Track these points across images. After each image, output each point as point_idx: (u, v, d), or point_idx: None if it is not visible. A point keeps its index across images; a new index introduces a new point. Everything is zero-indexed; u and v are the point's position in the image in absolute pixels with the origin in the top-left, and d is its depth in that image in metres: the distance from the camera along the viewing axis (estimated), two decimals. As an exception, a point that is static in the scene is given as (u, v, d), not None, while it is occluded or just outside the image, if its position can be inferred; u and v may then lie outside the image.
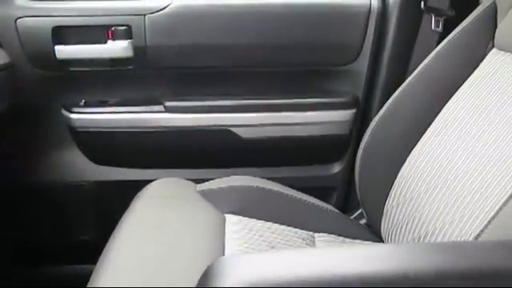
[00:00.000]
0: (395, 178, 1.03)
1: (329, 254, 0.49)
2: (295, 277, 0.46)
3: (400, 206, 1.01)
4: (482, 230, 0.68)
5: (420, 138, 1.03)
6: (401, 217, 1.00)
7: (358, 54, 1.30)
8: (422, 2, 1.24)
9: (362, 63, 1.31)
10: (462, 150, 0.91)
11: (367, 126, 1.10)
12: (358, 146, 1.11)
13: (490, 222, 0.66)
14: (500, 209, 0.65)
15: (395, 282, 0.44)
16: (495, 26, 1.02)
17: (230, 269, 0.46)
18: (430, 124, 1.01)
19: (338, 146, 1.36)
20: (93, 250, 1.00)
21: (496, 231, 0.63)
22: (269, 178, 1.19)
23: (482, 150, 0.86)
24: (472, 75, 1.01)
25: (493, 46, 1.01)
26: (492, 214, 0.68)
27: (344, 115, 1.32)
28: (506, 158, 0.80)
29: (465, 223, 0.79)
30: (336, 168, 1.39)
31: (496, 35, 1.01)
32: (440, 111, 1.01)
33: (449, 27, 1.12)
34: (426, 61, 1.07)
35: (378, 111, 1.10)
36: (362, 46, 1.29)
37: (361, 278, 0.44)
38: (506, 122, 0.85)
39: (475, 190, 0.82)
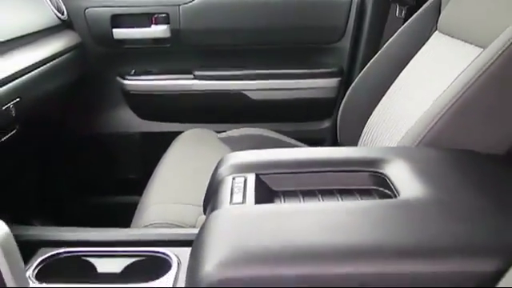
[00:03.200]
0: (364, 127, 1.33)
1: (297, 151, 0.86)
2: (274, 159, 0.83)
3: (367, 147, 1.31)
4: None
5: (382, 97, 1.30)
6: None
7: (342, 35, 1.58)
8: (390, -5, 1.51)
9: (346, 42, 1.58)
10: (407, 104, 1.18)
11: (350, 90, 1.36)
12: (342, 107, 1.37)
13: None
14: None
15: (326, 161, 0.81)
16: (439, 13, 1.26)
17: (234, 156, 0.84)
18: (389, 88, 1.29)
19: (327, 107, 1.63)
20: (139, 184, 1.27)
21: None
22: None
23: (416, 101, 1.13)
24: (418, 53, 1.27)
25: (436, 30, 1.26)
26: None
27: (331, 82, 1.60)
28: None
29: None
30: (325, 124, 1.66)
31: (439, 20, 1.25)
32: (396, 78, 1.28)
33: (411, 14, 1.34)
34: (389, 41, 1.33)
35: (357, 79, 1.36)
36: (345, 29, 1.57)
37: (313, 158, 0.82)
38: (435, 84, 1.10)
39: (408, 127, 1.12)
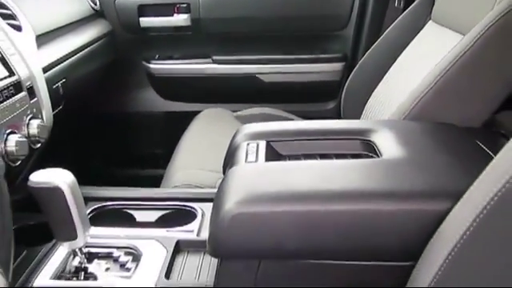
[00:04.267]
0: (364, 107, 1.46)
1: (302, 123, 1.02)
2: (282, 129, 0.99)
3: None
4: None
5: (380, 80, 1.43)
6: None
7: (347, 23, 1.71)
8: (390, -14, 1.64)
9: (349, 29, 1.72)
10: (401, 86, 1.31)
11: (353, 74, 1.49)
12: (346, 89, 1.50)
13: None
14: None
15: (325, 131, 0.97)
16: (433, 4, 1.37)
17: (248, 127, 1.00)
18: (387, 71, 1.42)
19: (332, 89, 1.77)
20: (163, 159, 1.40)
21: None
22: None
23: (409, 83, 1.22)
24: (413, 40, 1.39)
25: (430, 19, 1.37)
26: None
27: (336, 67, 1.74)
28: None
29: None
30: (330, 105, 1.81)
31: (432, 11, 1.37)
32: (393, 63, 1.41)
33: (409, 4, 1.45)
34: (388, 29, 1.46)
35: (360, 64, 1.48)
36: (349, 18, 1.71)
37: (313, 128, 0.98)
38: (425, 69, 1.19)
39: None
